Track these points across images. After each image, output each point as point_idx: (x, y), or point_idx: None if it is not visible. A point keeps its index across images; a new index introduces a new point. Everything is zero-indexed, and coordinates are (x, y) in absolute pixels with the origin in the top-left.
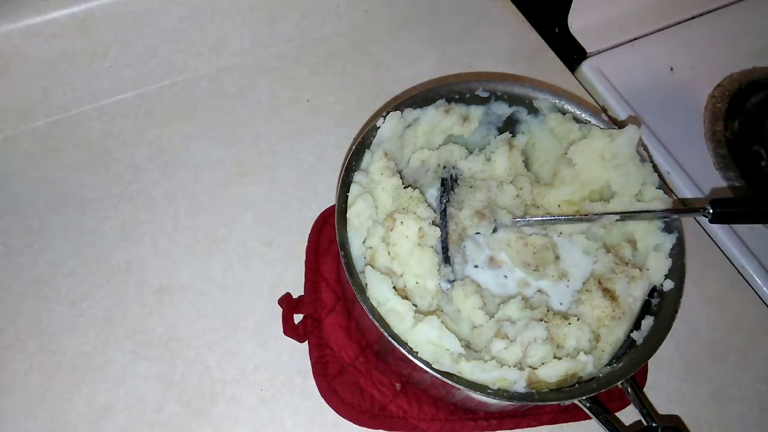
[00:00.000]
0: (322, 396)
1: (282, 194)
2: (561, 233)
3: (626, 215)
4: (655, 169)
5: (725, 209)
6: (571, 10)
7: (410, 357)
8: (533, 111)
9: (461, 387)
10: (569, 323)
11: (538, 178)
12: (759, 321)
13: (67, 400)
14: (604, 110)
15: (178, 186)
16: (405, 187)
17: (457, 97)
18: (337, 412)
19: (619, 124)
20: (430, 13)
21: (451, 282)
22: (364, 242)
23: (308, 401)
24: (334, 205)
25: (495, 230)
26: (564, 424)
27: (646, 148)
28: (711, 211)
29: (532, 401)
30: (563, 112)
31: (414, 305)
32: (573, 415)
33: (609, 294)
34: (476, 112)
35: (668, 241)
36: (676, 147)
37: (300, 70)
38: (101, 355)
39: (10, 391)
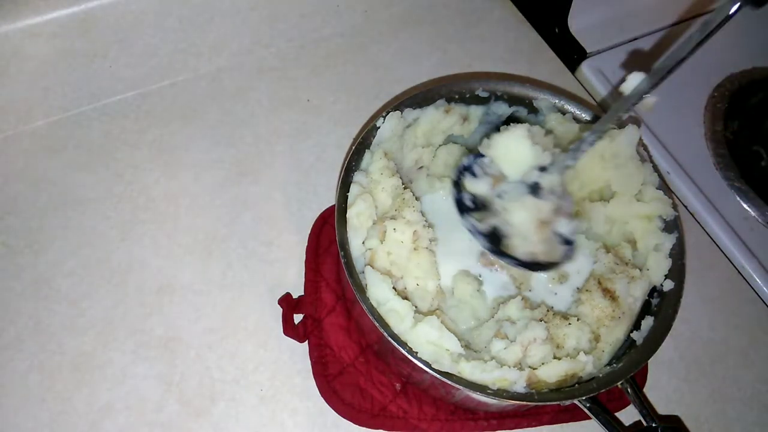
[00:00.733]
0: (322, 396)
1: (282, 194)
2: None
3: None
4: (655, 169)
5: None
6: (571, 10)
7: (410, 357)
8: (533, 111)
9: (461, 387)
10: (569, 323)
11: None
12: (759, 321)
13: (67, 400)
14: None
15: (178, 186)
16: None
17: (457, 97)
18: (337, 412)
19: (619, 124)
20: (430, 13)
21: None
22: (364, 242)
23: (308, 401)
24: (334, 205)
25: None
26: (564, 424)
27: (646, 148)
28: None
29: (532, 401)
30: (563, 112)
31: (415, 306)
32: (573, 415)
33: (609, 294)
34: (476, 112)
35: (668, 241)
36: (676, 147)
37: (300, 70)
38: (101, 355)
39: (10, 391)
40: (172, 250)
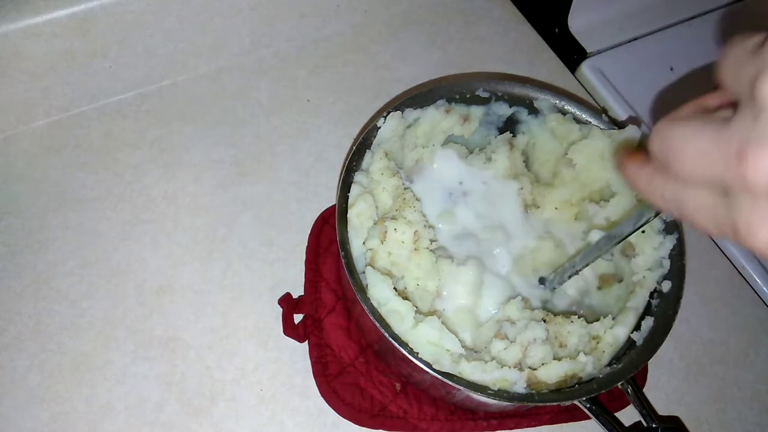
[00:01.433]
0: (322, 396)
1: (282, 194)
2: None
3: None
4: None
5: None
6: (571, 10)
7: (410, 357)
8: (534, 111)
9: (461, 388)
10: (571, 321)
11: (539, 178)
12: (759, 321)
13: (67, 400)
14: (605, 110)
15: (178, 186)
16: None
17: (457, 97)
18: (337, 412)
19: (619, 124)
20: (430, 13)
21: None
22: (364, 243)
23: (308, 401)
24: (335, 205)
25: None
26: (564, 424)
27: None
28: None
29: (532, 402)
30: (563, 113)
31: (415, 307)
32: (573, 415)
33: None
34: (476, 112)
35: (668, 242)
36: None
37: (300, 70)
38: (101, 355)
39: (10, 391)
40: (172, 250)
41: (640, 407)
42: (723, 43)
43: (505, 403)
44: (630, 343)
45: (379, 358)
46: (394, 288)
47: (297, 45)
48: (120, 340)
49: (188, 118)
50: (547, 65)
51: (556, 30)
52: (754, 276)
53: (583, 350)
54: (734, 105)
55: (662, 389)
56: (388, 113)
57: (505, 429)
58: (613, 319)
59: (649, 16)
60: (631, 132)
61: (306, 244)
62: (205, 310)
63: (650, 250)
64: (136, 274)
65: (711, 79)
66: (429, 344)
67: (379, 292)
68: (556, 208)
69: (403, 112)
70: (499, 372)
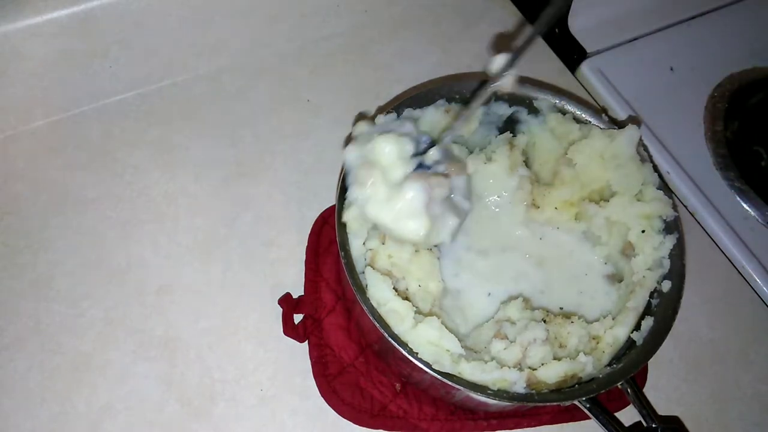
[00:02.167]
0: (322, 396)
1: (282, 194)
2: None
3: None
4: (655, 169)
5: None
6: (571, 10)
7: (410, 358)
8: (533, 111)
9: (461, 388)
10: (571, 321)
11: (539, 178)
12: (759, 321)
13: (67, 400)
14: (605, 110)
15: (178, 186)
16: None
17: (457, 97)
18: (337, 412)
19: (619, 124)
20: (430, 13)
21: None
22: (364, 243)
23: (308, 401)
24: (334, 205)
25: None
26: (564, 424)
27: (646, 148)
28: None
29: (531, 402)
30: (563, 113)
31: (416, 307)
32: (573, 415)
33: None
34: (476, 112)
35: (668, 242)
36: (676, 147)
37: (300, 70)
38: (101, 355)
39: (10, 391)
40: (172, 250)
41: (640, 407)
42: (723, 43)
43: (505, 403)
44: (630, 343)
45: (379, 358)
46: (395, 288)
47: (297, 45)
48: (120, 340)
49: (188, 118)
50: (547, 65)
51: (556, 30)
52: (754, 276)
53: (583, 350)
54: None
55: (662, 389)
56: (388, 113)
57: (505, 429)
58: (613, 319)
59: (649, 16)
60: (631, 132)
61: (306, 244)
62: (205, 310)
63: (650, 250)
64: (136, 274)
65: (710, 79)
66: (429, 344)
67: (379, 292)
68: (556, 208)
69: (402, 112)
70: (498, 372)
